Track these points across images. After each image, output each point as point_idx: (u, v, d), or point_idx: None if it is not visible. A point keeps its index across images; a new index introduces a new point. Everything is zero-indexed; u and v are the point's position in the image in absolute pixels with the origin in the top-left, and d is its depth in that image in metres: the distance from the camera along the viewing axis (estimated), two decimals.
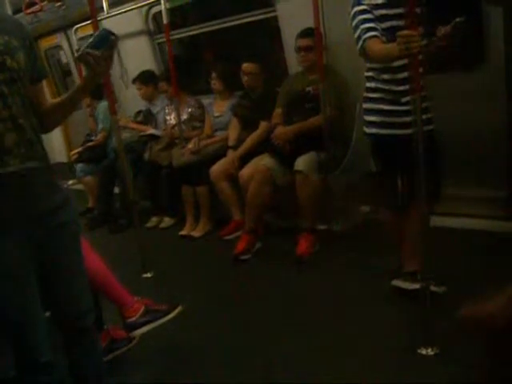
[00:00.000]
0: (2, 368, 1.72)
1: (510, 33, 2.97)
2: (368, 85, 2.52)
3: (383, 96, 2.45)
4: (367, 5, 2.35)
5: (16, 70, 1.48)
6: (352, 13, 2.40)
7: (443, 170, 2.55)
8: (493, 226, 3.15)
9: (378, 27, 2.32)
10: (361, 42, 2.34)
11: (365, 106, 2.56)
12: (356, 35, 2.37)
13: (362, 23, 2.34)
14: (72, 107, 1.69)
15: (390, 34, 2.19)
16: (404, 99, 2.37)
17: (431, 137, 2.47)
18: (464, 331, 0.72)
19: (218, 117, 4.32)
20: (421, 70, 2.35)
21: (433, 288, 2.28)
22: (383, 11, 2.33)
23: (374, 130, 2.52)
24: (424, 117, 2.39)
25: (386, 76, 2.42)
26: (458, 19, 2.17)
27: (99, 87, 4.81)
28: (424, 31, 2.32)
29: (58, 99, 1.69)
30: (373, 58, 2.39)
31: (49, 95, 1.75)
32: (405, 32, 2.02)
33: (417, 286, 2.47)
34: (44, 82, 1.68)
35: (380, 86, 2.45)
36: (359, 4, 2.37)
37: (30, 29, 1.65)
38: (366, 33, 2.32)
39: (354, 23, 2.38)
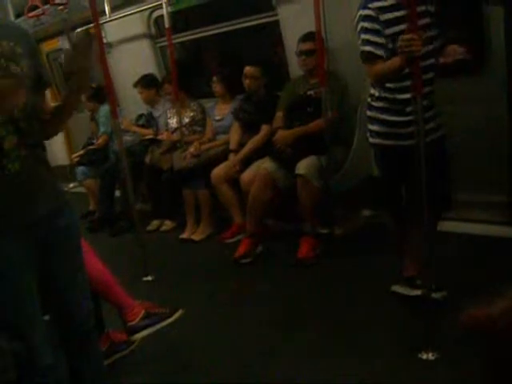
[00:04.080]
0: (2, 370, 1.72)
1: (511, 36, 2.97)
2: (372, 91, 2.45)
3: (388, 106, 2.38)
4: (373, 9, 2.22)
5: (19, 75, 1.48)
6: (357, 16, 2.29)
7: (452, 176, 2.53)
8: (493, 231, 3.15)
9: (379, 40, 2.22)
10: (360, 53, 2.30)
11: (368, 113, 2.49)
12: (358, 41, 2.30)
13: (364, 32, 2.25)
14: (69, 111, 1.66)
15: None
16: (409, 109, 2.29)
17: (440, 144, 2.44)
18: (465, 336, 0.72)
19: (219, 120, 4.33)
20: (432, 74, 2.36)
21: (432, 295, 2.28)
22: (390, 14, 2.22)
23: (377, 141, 2.47)
24: (432, 125, 2.38)
25: (390, 84, 2.33)
26: (466, 57, 2.19)
27: (101, 91, 4.83)
28: (437, 32, 2.32)
29: (55, 104, 1.69)
30: (375, 80, 2.34)
31: (50, 100, 1.74)
32: (407, 36, 2.01)
33: (417, 292, 2.47)
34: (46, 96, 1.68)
35: (384, 94, 2.38)
36: (365, 8, 2.25)
37: (32, 33, 1.65)
38: (363, 45, 2.26)
39: (357, 28, 2.30)
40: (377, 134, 2.46)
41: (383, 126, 2.42)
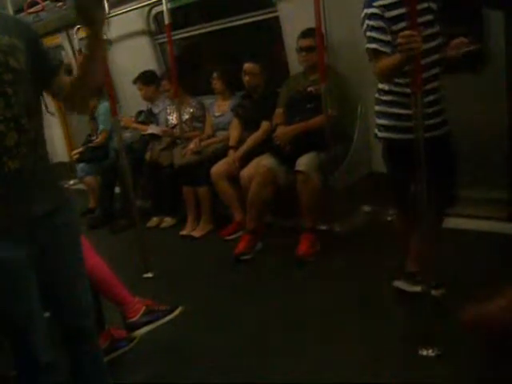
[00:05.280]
0: (2, 368, 1.72)
1: (511, 33, 2.96)
2: (380, 86, 2.44)
3: (396, 99, 2.37)
4: (378, 7, 2.23)
5: (18, 70, 1.48)
6: (363, 14, 2.30)
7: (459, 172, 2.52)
8: (494, 227, 3.15)
9: (384, 37, 2.22)
10: (366, 50, 2.30)
11: (377, 108, 2.48)
12: (365, 39, 2.30)
13: (370, 30, 2.26)
14: (93, 64, 1.63)
15: None
16: None
17: (445, 139, 2.44)
18: (465, 332, 0.72)
19: (219, 117, 4.33)
20: (438, 70, 2.35)
21: (432, 292, 2.28)
22: (396, 11, 2.21)
23: (386, 135, 2.45)
24: (437, 120, 2.38)
25: (399, 79, 2.31)
26: (472, 47, 2.17)
27: (101, 88, 4.81)
28: (440, 30, 2.31)
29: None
30: (380, 77, 2.33)
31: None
32: (406, 32, 2.00)
33: (417, 288, 2.47)
34: (61, 73, 1.65)
35: (393, 88, 2.37)
36: (370, 6, 2.25)
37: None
38: (369, 42, 2.26)
39: (363, 26, 2.30)
40: (385, 128, 2.45)
41: (392, 120, 2.41)
